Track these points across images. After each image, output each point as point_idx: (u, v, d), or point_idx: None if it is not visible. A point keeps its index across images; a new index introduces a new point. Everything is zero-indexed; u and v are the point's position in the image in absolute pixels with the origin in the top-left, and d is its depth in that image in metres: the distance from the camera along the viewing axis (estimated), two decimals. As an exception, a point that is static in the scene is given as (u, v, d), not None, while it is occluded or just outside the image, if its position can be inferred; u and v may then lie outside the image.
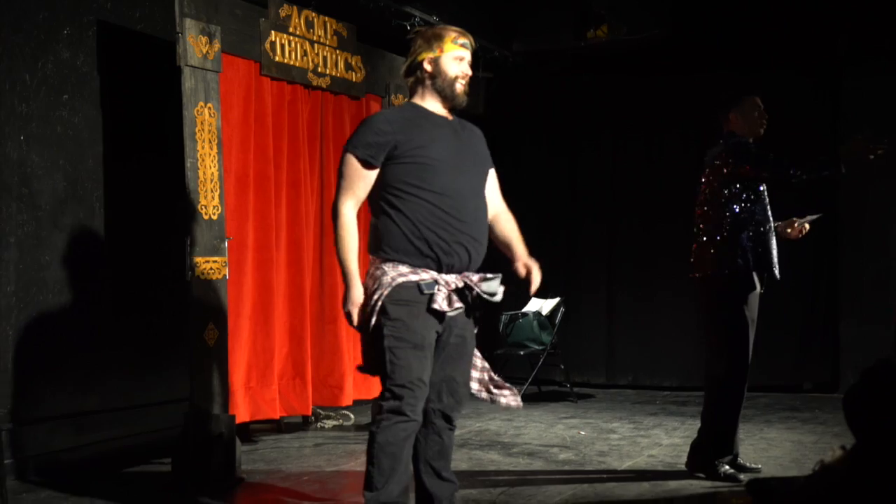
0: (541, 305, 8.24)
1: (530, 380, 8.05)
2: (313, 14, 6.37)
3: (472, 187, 3.74)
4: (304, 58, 6.28)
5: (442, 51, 3.70)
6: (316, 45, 6.38)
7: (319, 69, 6.41)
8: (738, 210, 5.12)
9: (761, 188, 5.20)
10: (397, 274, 3.55)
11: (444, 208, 3.61)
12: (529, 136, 9.19)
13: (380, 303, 3.54)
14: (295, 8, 6.22)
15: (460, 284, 3.65)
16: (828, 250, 8.18)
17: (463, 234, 3.65)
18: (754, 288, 5.15)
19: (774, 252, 5.21)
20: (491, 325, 8.49)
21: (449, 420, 3.75)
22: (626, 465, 5.58)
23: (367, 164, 3.62)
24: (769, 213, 5.24)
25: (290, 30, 6.17)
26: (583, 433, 6.59)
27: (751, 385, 8.03)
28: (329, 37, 6.50)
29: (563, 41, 8.81)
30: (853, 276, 8.14)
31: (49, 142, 5.44)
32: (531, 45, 8.95)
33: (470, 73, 3.76)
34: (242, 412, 5.76)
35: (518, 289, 4.01)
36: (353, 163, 3.63)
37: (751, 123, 5.25)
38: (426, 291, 3.55)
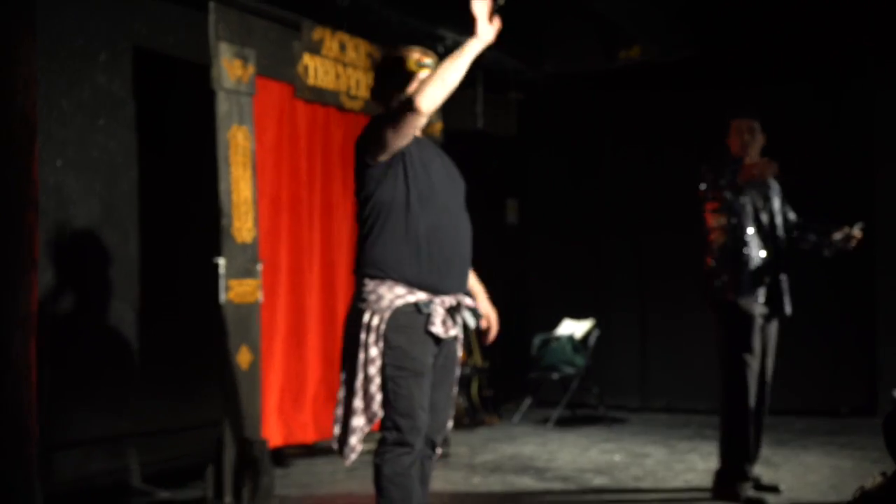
0: (574, 328, 8.19)
1: (564, 403, 7.99)
2: (346, 37, 6.40)
3: (462, 209, 3.68)
4: (338, 80, 6.30)
5: None
6: (349, 68, 6.40)
7: (352, 92, 6.42)
8: (719, 239, 5.28)
9: (747, 211, 5.24)
10: (395, 296, 3.45)
11: (442, 230, 3.54)
12: (560, 155, 9.17)
13: (383, 327, 3.44)
14: (328, 31, 6.24)
15: (454, 303, 3.57)
16: (864, 270, 8.07)
17: (458, 256, 3.58)
18: (747, 317, 5.18)
19: (750, 284, 5.19)
20: (524, 348, 8.45)
21: (433, 446, 3.67)
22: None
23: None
24: (759, 238, 5.25)
25: (324, 52, 6.19)
26: (617, 458, 6.52)
27: (786, 409, 8.06)
28: (362, 59, 6.52)
29: (594, 62, 8.80)
30: (890, 296, 8.03)
31: (85, 166, 5.47)
32: (562, 66, 8.94)
33: None
34: (275, 436, 5.75)
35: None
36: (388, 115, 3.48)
37: (736, 146, 5.41)
38: (424, 311, 3.46)
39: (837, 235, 5.37)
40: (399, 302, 3.45)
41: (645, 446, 6.95)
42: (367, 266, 3.52)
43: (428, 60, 3.65)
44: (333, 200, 6.32)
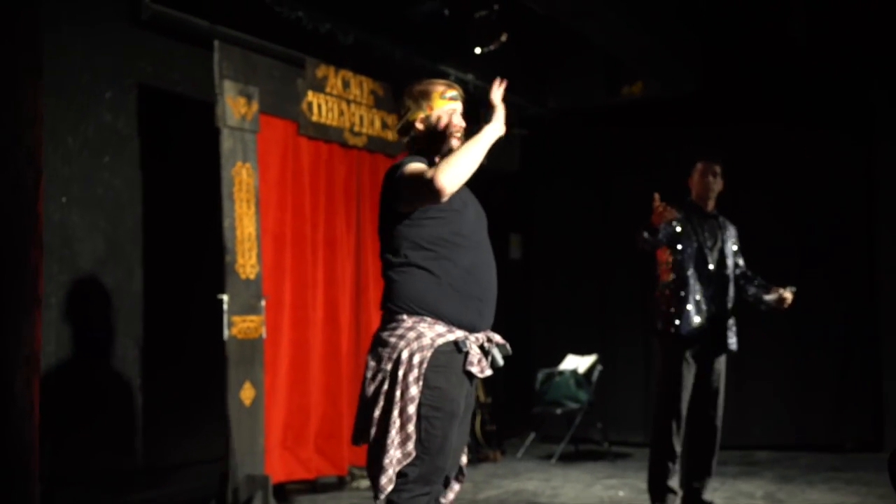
0: (577, 363, 8.18)
1: (567, 438, 7.96)
2: (350, 74, 6.45)
3: (489, 246, 3.66)
4: (341, 117, 6.35)
5: (431, 109, 3.59)
6: (352, 105, 6.45)
7: (356, 128, 6.47)
8: (664, 276, 5.57)
9: (692, 250, 5.48)
10: (436, 335, 3.40)
11: (479, 267, 3.53)
12: (564, 190, 9.19)
13: (424, 366, 3.37)
14: (332, 68, 6.30)
15: (484, 339, 3.54)
16: (868, 304, 8.07)
17: (491, 292, 3.56)
18: (680, 350, 5.45)
19: (689, 318, 5.43)
20: (527, 383, 8.44)
21: (447, 482, 3.65)
22: (666, 527, 5.50)
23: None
24: (703, 278, 5.46)
25: (327, 90, 6.25)
26: (621, 493, 6.49)
27: (791, 444, 8.02)
28: (365, 96, 6.57)
29: (597, 98, 8.85)
30: (894, 328, 8.01)
31: (90, 203, 5.50)
32: (566, 101, 9.00)
33: (464, 124, 3.64)
34: (278, 472, 5.74)
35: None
36: (414, 165, 3.42)
37: (697, 189, 5.66)
38: (464, 349, 3.43)
39: (770, 297, 5.52)
40: (440, 340, 3.40)
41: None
42: (403, 301, 3.45)
43: (453, 93, 3.63)
44: (337, 236, 6.34)
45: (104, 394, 5.55)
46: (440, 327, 3.42)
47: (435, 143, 3.61)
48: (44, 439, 5.05)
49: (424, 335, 3.39)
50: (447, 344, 3.41)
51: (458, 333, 3.43)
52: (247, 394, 5.35)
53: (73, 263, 5.40)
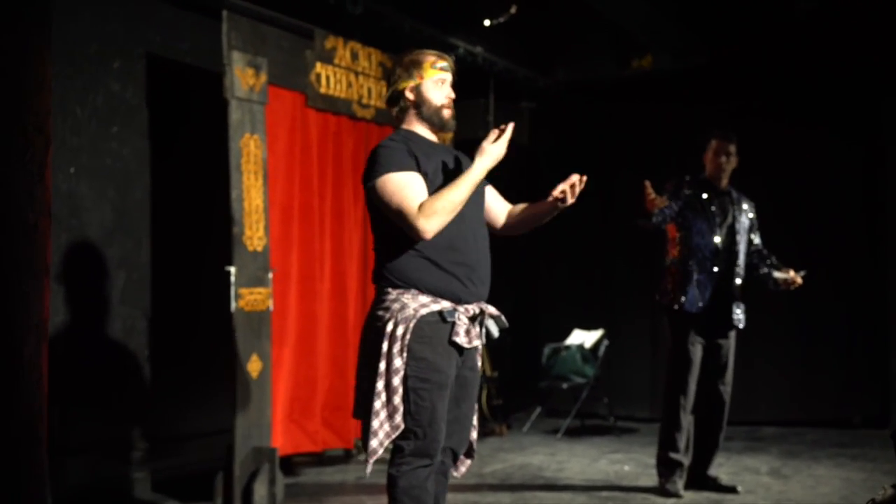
0: (584, 338, 8.18)
1: (573, 413, 7.98)
2: (358, 45, 6.41)
3: (480, 217, 3.66)
4: (349, 89, 6.32)
5: (422, 77, 3.57)
6: (360, 77, 6.42)
7: (364, 100, 6.44)
8: (673, 251, 5.66)
9: (694, 229, 5.54)
10: (419, 305, 3.40)
11: (461, 239, 3.50)
12: (571, 164, 9.01)
13: (408, 338, 3.38)
14: (340, 39, 6.26)
15: (476, 311, 3.53)
16: (876, 279, 8.05)
17: (479, 264, 3.55)
18: (687, 325, 5.56)
19: (694, 295, 5.51)
20: (534, 357, 8.44)
21: (455, 458, 3.64)
22: (671, 501, 5.50)
23: (411, 170, 3.45)
24: (711, 254, 5.53)
25: (336, 61, 6.21)
26: (627, 468, 6.51)
27: (797, 420, 8.03)
28: (374, 68, 6.54)
29: (607, 70, 8.81)
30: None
31: (98, 173, 5.50)
32: (575, 74, 8.95)
33: (453, 95, 3.63)
34: (285, 445, 5.76)
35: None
36: (394, 178, 3.41)
37: (710, 164, 5.70)
38: (449, 319, 3.42)
39: (780, 275, 5.60)
40: (424, 311, 3.40)
41: (654, 457, 6.91)
42: (389, 275, 3.47)
43: (443, 63, 3.61)
44: (344, 208, 6.33)
45: (111, 364, 5.56)
46: (424, 298, 3.43)
47: (425, 113, 3.59)
48: (52, 409, 5.06)
49: (408, 306, 3.41)
50: (431, 314, 3.41)
51: (444, 304, 3.43)
52: (254, 366, 5.36)
53: (81, 233, 5.40)
